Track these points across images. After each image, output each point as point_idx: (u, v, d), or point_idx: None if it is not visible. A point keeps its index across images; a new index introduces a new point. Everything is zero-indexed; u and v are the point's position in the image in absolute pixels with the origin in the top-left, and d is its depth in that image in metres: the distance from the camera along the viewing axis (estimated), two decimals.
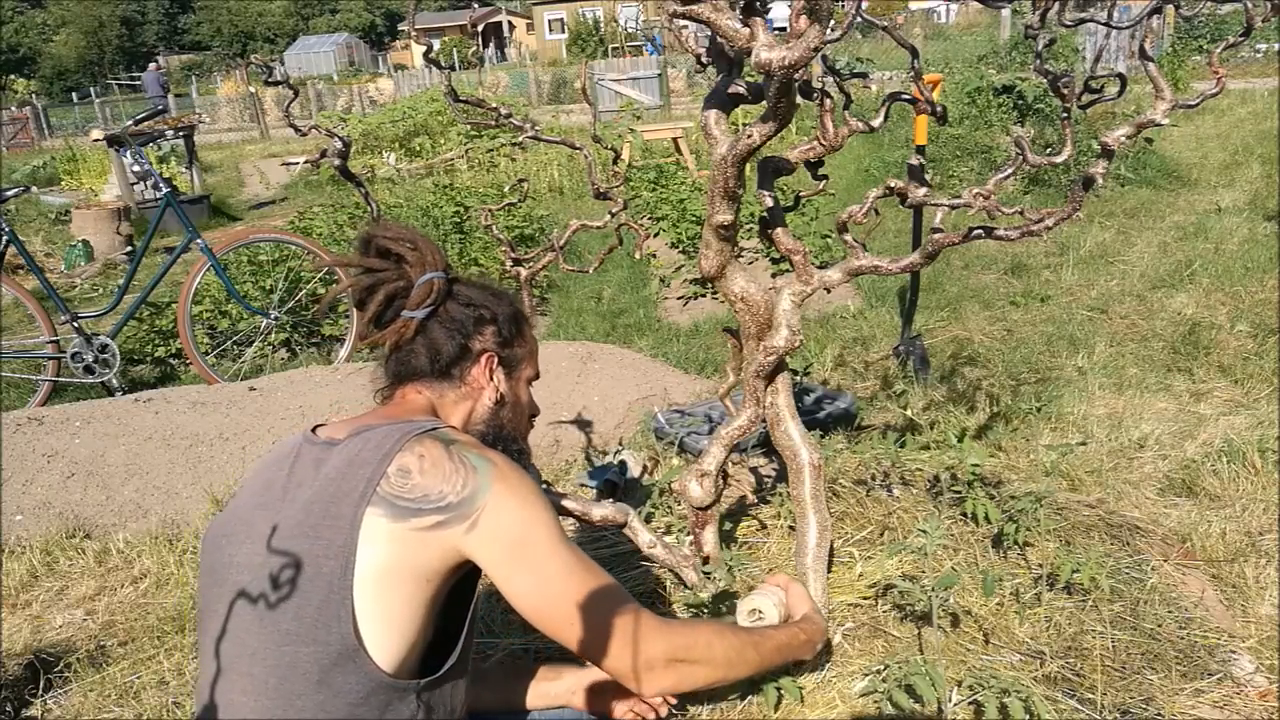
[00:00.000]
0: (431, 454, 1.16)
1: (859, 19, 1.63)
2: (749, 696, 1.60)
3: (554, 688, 1.54)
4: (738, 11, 1.38)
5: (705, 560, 1.90)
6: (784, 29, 1.46)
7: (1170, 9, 1.62)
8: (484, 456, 1.19)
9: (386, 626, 1.11)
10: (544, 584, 1.16)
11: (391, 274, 1.33)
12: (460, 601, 1.20)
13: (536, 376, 1.49)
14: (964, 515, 2.07)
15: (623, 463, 2.71)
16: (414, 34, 1.68)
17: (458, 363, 1.35)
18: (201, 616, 1.21)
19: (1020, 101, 7.94)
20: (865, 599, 1.91)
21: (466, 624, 1.21)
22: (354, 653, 1.09)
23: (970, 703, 1.57)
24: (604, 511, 1.84)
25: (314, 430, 1.27)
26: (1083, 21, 1.77)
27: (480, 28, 45.39)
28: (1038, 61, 1.61)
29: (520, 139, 5.57)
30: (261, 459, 1.30)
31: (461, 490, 1.14)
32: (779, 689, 1.56)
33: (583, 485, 2.70)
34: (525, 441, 1.48)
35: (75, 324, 4.13)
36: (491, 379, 1.38)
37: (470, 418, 1.37)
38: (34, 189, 10.50)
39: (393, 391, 1.37)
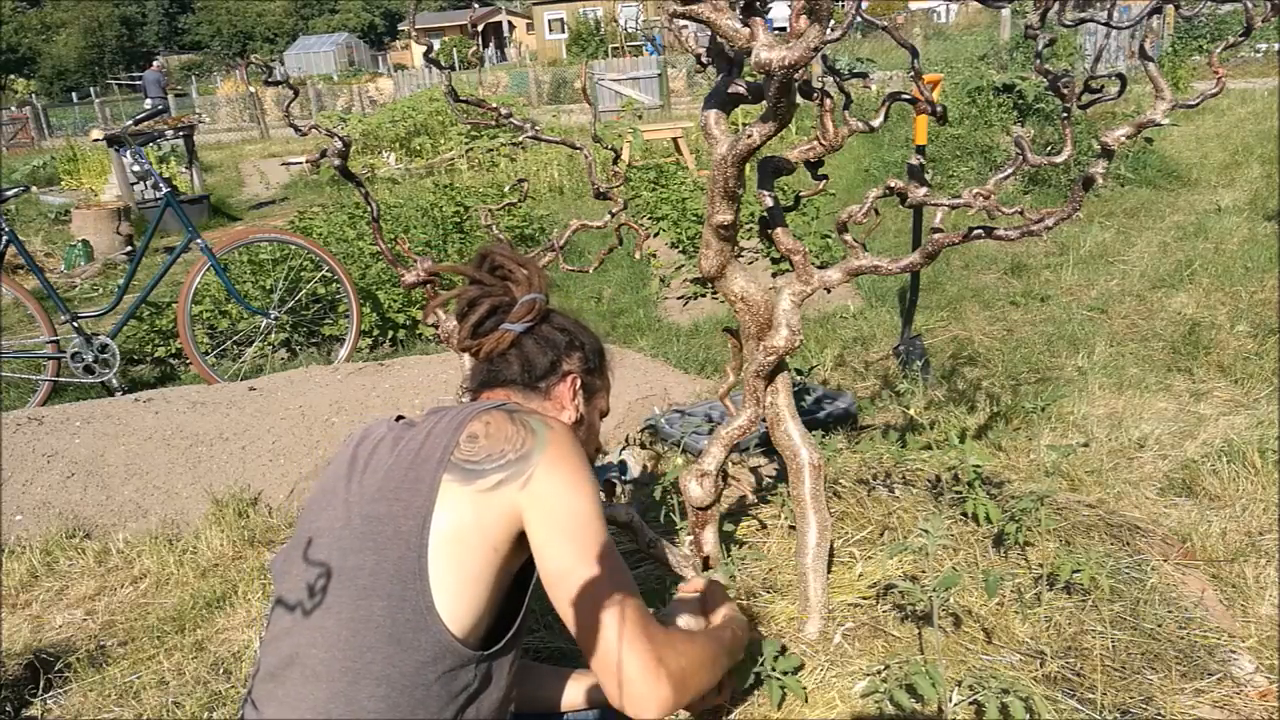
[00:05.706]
0: (496, 420, 1.23)
1: (859, 19, 1.63)
2: (753, 692, 1.60)
3: (590, 689, 1.53)
4: (738, 11, 1.39)
5: (705, 560, 1.90)
6: (784, 29, 1.46)
7: (1170, 9, 1.62)
8: (544, 422, 1.25)
9: (459, 593, 1.15)
10: (579, 553, 1.16)
11: (498, 289, 1.44)
12: (521, 587, 1.26)
13: (607, 412, 1.57)
14: (964, 515, 2.07)
15: (623, 463, 2.71)
16: (414, 34, 1.68)
17: (546, 377, 1.44)
18: (278, 578, 1.27)
19: (1020, 101, 7.94)
20: (865, 599, 1.91)
21: (525, 601, 1.25)
22: (426, 611, 1.13)
23: (971, 702, 1.57)
24: (606, 511, 1.83)
25: (397, 420, 1.36)
26: (1083, 21, 1.77)
27: (480, 28, 45.39)
28: (1038, 61, 1.62)
29: (520, 139, 5.57)
30: (349, 438, 1.38)
31: (520, 448, 1.19)
32: (783, 686, 1.57)
33: None
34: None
35: (75, 324, 4.13)
36: (574, 398, 1.46)
37: None
38: (34, 189, 10.52)
39: (477, 396, 1.45)
